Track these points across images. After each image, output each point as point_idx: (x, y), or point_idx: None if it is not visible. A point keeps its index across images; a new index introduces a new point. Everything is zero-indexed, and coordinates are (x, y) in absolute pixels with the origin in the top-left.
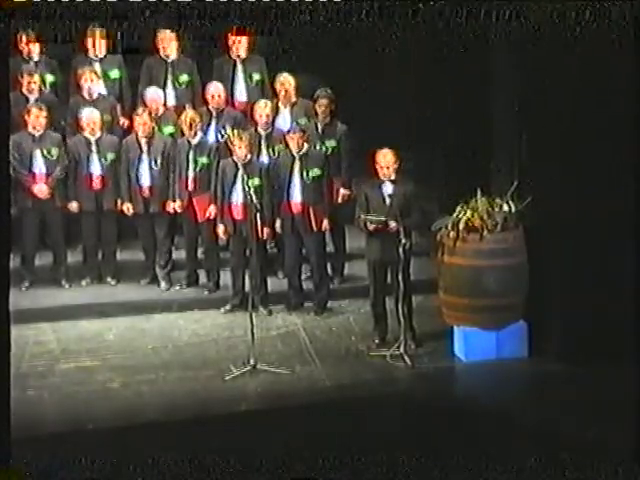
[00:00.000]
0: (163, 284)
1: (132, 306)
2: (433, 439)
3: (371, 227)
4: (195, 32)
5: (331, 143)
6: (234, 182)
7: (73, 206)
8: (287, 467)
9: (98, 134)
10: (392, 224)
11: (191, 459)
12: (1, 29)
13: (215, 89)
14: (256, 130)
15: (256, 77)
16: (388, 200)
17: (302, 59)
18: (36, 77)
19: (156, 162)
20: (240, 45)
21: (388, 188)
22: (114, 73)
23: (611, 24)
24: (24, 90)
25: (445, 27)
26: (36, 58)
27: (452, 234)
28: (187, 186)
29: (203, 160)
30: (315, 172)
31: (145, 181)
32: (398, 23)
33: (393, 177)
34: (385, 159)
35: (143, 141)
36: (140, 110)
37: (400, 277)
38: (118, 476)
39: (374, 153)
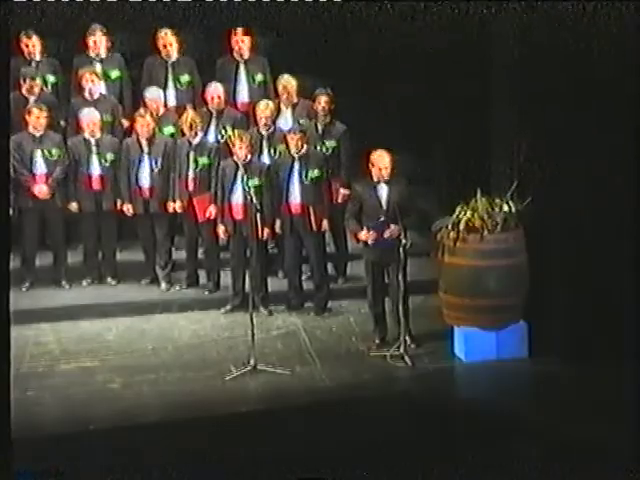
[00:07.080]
0: (163, 284)
1: (132, 306)
2: (433, 439)
3: (371, 238)
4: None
5: (331, 143)
6: (234, 182)
7: (73, 206)
8: (287, 467)
9: (98, 135)
10: (392, 227)
11: (191, 459)
12: (2, 29)
13: (215, 90)
14: (258, 130)
15: (259, 78)
16: (384, 202)
17: (302, 59)
18: (37, 78)
19: (156, 162)
20: (243, 45)
21: (383, 189)
22: (115, 73)
23: (612, 21)
24: (24, 91)
25: (445, 27)
26: (37, 58)
27: (452, 234)
28: (187, 186)
29: (203, 160)
30: (315, 173)
31: (145, 181)
32: (398, 22)
33: (387, 178)
34: (381, 160)
35: (144, 142)
36: (142, 111)
37: (400, 277)
38: (119, 477)
39: (369, 154)
